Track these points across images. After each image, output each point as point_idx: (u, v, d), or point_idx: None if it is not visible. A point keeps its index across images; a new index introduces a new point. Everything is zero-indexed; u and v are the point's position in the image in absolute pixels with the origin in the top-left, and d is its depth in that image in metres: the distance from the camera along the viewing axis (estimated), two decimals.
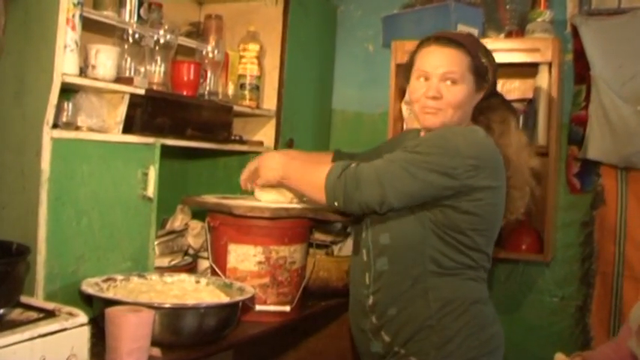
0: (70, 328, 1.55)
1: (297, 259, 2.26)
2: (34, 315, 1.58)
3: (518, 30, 2.80)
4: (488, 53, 1.95)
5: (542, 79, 2.70)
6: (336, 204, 1.85)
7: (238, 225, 2.17)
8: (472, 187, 1.78)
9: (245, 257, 2.17)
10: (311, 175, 1.95)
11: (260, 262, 2.17)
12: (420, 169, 1.77)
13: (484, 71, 1.92)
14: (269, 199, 2.25)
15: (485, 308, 1.89)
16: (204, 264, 2.48)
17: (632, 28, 2.66)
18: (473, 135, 1.84)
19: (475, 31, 2.67)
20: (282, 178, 2.04)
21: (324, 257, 2.53)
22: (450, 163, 1.77)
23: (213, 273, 2.23)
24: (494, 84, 1.98)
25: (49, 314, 1.59)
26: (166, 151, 2.25)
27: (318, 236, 2.55)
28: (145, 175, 2.15)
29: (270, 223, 2.16)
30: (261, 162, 2.12)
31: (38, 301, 1.77)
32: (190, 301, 1.92)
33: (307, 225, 2.30)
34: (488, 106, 1.99)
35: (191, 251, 2.57)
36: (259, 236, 2.17)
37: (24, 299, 1.68)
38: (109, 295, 1.88)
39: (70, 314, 1.60)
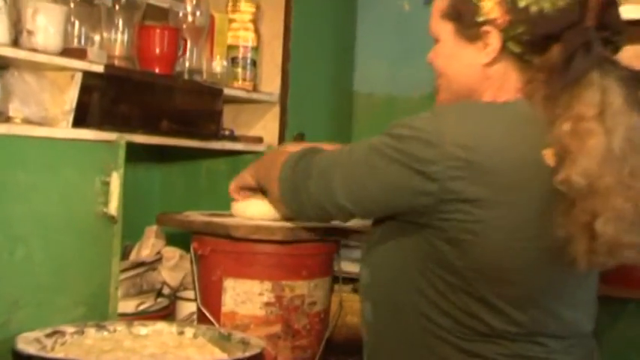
0: None
1: (318, 299, 2.14)
2: None
3: None
4: None
5: None
6: (286, 203, 1.84)
7: (238, 252, 2.06)
8: (458, 196, 1.50)
9: (247, 297, 2.06)
10: (275, 165, 1.87)
11: (268, 304, 2.06)
12: (382, 160, 1.56)
13: (469, 9, 1.61)
14: (255, 213, 2.14)
15: None
16: (186, 307, 2.43)
17: None
18: (474, 111, 1.59)
19: None
20: (255, 176, 2.07)
21: (351, 295, 2.42)
22: (425, 153, 1.50)
23: (202, 320, 2.13)
24: (525, 21, 1.55)
25: None
26: (128, 152, 2.15)
27: (345, 266, 2.42)
28: (106, 184, 2.05)
29: (283, 249, 2.06)
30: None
31: None
32: None
33: (333, 250, 2.20)
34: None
35: (167, 290, 2.53)
36: (267, 267, 2.06)
37: None
38: (59, 355, 1.74)
39: None
